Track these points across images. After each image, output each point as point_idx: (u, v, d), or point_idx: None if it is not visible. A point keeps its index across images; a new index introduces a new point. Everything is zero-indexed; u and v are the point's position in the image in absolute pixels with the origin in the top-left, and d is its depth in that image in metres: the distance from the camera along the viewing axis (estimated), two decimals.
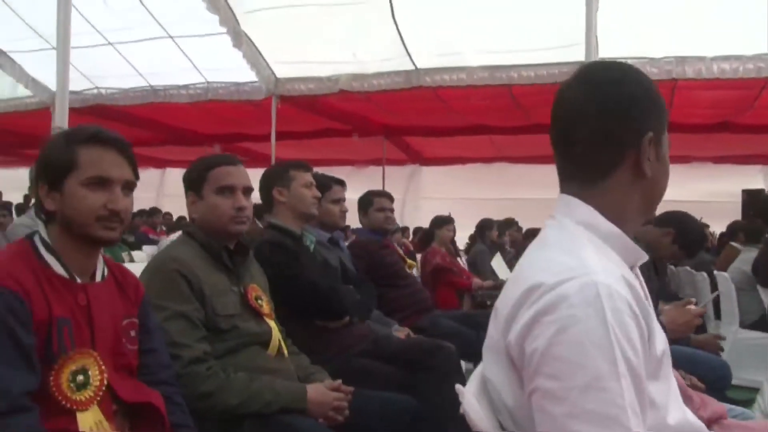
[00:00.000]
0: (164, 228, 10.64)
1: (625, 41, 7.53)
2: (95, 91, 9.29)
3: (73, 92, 9.61)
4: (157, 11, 8.00)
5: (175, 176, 14.71)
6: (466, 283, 5.65)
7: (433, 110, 9.15)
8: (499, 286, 5.97)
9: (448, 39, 7.79)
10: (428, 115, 9.59)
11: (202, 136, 11.32)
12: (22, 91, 9.39)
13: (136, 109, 9.48)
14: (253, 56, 8.12)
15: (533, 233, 10.15)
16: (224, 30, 7.79)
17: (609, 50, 7.27)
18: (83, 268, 1.66)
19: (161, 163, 14.34)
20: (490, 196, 12.20)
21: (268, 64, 8.34)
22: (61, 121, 5.30)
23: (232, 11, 7.69)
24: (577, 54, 7.54)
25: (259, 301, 2.26)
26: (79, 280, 1.63)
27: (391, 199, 4.22)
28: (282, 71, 8.48)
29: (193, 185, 2.25)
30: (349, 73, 8.21)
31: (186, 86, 8.90)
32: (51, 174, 1.61)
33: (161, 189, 14.77)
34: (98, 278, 1.69)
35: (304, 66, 8.35)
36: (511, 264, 7.45)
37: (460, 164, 12.52)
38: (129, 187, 1.67)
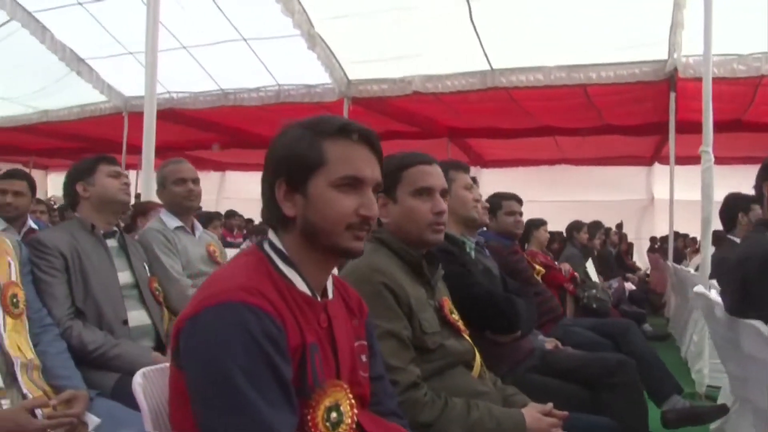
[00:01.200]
0: (243, 231, 10.45)
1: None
2: (167, 95, 9.14)
3: (143, 96, 9.51)
4: (231, 14, 7.81)
5: (234, 179, 14.59)
6: (566, 279, 5.27)
7: (503, 111, 8.81)
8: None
9: (524, 37, 7.44)
10: (496, 117, 9.25)
11: (266, 139, 11.11)
12: (97, 97, 9.30)
13: (204, 113, 9.31)
14: (327, 58, 7.88)
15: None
16: (298, 32, 7.57)
17: (693, 47, 6.88)
18: (319, 284, 1.38)
19: (221, 166, 14.21)
20: (550, 198, 11.83)
21: (340, 66, 8.09)
22: (149, 124, 5.12)
23: (306, 14, 7.46)
24: (659, 52, 7.19)
25: (454, 316, 1.97)
26: (318, 298, 1.36)
27: (520, 201, 3.91)
28: (354, 73, 8.23)
29: (384, 186, 1.96)
30: (422, 74, 7.93)
31: (257, 89, 8.70)
32: (293, 173, 1.33)
33: (221, 191, 14.63)
34: (330, 295, 1.41)
35: (376, 68, 8.08)
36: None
37: (521, 166, 12.15)
38: (377, 189, 1.39)
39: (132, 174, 12.00)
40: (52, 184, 14.97)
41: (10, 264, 2.21)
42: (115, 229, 2.66)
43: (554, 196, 11.90)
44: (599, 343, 3.44)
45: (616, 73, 7.37)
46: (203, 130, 9.87)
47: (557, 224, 11.09)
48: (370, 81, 8.14)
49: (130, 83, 9.34)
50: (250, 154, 11.66)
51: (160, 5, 5.24)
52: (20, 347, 2.11)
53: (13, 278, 2.19)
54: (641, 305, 6.71)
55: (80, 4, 8.08)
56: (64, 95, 9.47)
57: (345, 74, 8.18)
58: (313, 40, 7.59)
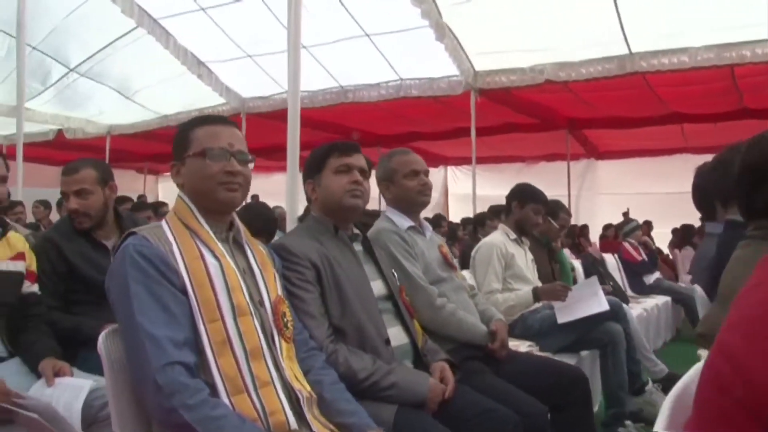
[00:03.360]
0: None
1: None
2: (283, 95, 8.84)
3: (261, 98, 9.28)
4: (355, 11, 7.42)
5: None
6: None
7: (634, 98, 8.12)
8: None
9: (667, 18, 6.73)
10: (625, 105, 8.56)
11: (374, 137, 10.74)
12: (216, 100, 9.12)
13: (320, 112, 8.95)
14: (454, 49, 7.39)
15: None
16: (426, 23, 7.11)
17: None
18: None
19: None
20: (667, 189, 11.00)
21: (467, 57, 7.59)
22: (293, 124, 4.68)
23: (435, 3, 6.98)
24: None
25: None
26: None
27: None
28: (480, 64, 7.71)
29: None
30: (555, 62, 7.32)
31: (377, 85, 8.29)
32: None
33: None
34: None
35: (503, 58, 7.53)
36: None
37: (638, 157, 11.34)
38: None
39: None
40: (163, 189, 15.02)
41: (275, 276, 1.80)
42: (357, 231, 2.22)
43: (671, 187, 11.05)
44: None
45: None
46: (320, 130, 9.51)
47: (675, 217, 10.31)
48: (498, 71, 7.60)
49: (247, 85, 9.14)
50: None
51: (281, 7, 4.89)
52: (297, 377, 1.68)
53: (280, 293, 1.78)
54: None
55: (202, 9, 7.87)
56: (184, 99, 9.34)
57: (472, 65, 7.67)
58: (442, 31, 7.11)
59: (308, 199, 2.22)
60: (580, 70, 7.27)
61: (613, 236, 8.83)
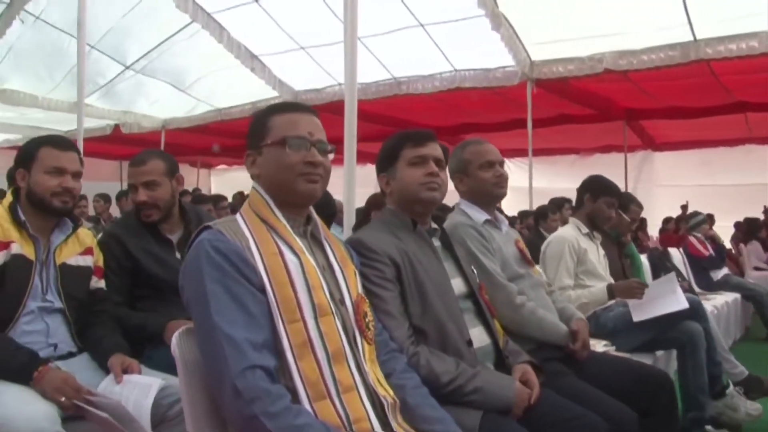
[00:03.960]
0: None
1: None
2: (336, 87, 8.76)
3: (314, 90, 9.21)
4: (409, 0, 7.26)
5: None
6: None
7: (696, 87, 7.75)
8: None
9: (733, 3, 6.37)
10: (686, 94, 8.20)
11: (426, 128, 10.56)
12: (269, 93, 9.09)
13: (373, 104, 8.81)
14: (510, 39, 7.17)
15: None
16: (481, 12, 6.92)
17: None
18: None
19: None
20: (731, 182, 10.58)
21: (524, 47, 7.35)
22: (350, 117, 4.53)
23: None
24: None
25: None
26: None
27: None
28: (536, 54, 7.47)
29: None
30: (615, 51, 7.03)
31: (431, 76, 8.12)
32: None
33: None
34: None
35: (560, 47, 7.27)
36: None
37: (697, 148, 10.90)
38: None
39: None
40: (215, 183, 15.16)
41: (355, 274, 1.68)
42: (435, 226, 2.09)
43: (733, 179, 10.64)
44: None
45: None
46: (373, 122, 9.38)
47: (736, 210, 9.90)
48: (555, 61, 7.35)
49: (300, 78, 9.09)
50: None
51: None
52: (380, 382, 1.57)
53: (361, 292, 1.66)
54: None
55: (256, 1, 7.83)
56: (237, 93, 9.35)
57: (528, 55, 7.44)
58: (498, 20, 6.92)
59: (383, 193, 2.11)
60: (642, 57, 6.96)
61: (673, 230, 8.50)
